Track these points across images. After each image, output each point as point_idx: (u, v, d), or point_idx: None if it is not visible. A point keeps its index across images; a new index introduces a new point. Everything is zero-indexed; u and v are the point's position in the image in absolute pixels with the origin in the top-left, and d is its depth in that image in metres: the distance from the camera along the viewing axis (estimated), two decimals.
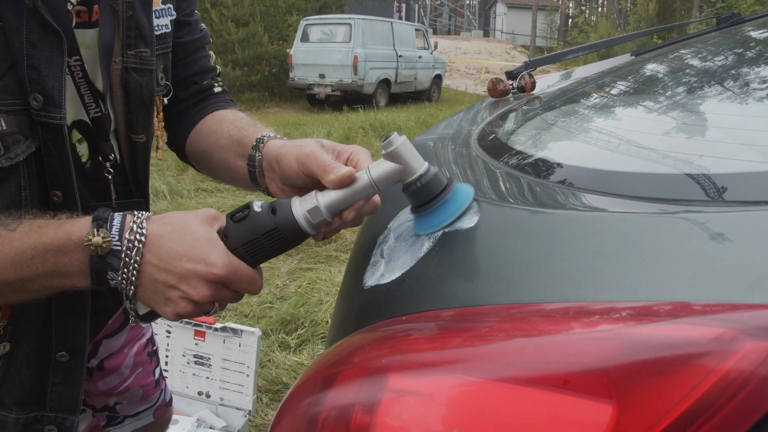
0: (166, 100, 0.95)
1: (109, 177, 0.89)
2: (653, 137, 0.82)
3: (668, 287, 0.45)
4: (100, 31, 0.81)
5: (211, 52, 1.05)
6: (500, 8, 41.84)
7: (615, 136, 0.87)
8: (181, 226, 0.69)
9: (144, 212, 0.71)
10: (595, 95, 1.21)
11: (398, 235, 0.74)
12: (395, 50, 12.95)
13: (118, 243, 0.68)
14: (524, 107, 1.32)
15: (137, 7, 0.84)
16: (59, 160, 0.77)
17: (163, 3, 0.91)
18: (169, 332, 2.17)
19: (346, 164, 0.73)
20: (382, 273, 0.67)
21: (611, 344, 0.40)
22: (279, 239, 0.69)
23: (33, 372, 0.87)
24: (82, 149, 0.87)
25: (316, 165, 0.72)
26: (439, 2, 45.73)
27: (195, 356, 2.14)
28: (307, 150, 0.74)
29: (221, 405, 2.11)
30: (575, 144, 0.90)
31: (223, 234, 0.70)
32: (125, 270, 0.68)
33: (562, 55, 1.81)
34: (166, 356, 2.16)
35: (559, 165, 0.79)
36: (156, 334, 1.27)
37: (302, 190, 0.76)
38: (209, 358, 2.12)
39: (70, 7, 0.77)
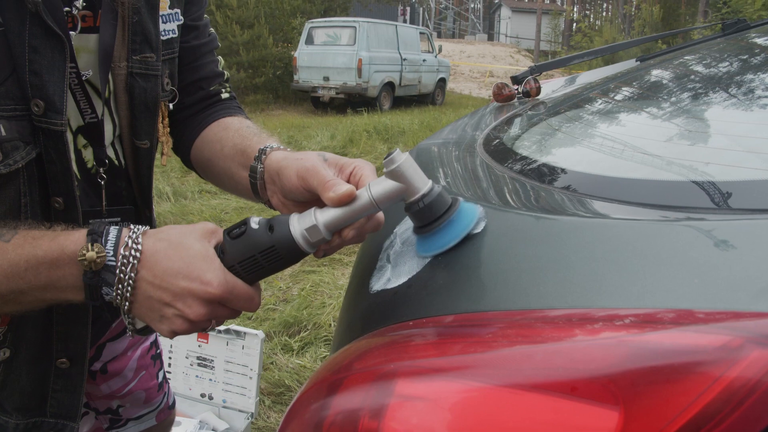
0: (171, 105, 0.94)
1: (102, 183, 0.87)
2: (659, 144, 0.82)
3: (675, 295, 0.45)
4: (100, 35, 0.80)
5: (219, 57, 1.03)
6: (504, 12, 41.86)
7: (620, 143, 0.87)
8: (177, 242, 0.67)
9: (140, 227, 0.69)
10: (600, 101, 1.21)
11: (405, 240, 0.73)
12: (399, 53, 12.97)
13: (113, 258, 0.66)
14: (530, 112, 1.32)
15: (143, 11, 0.83)
16: (60, 167, 0.76)
17: (170, 8, 0.90)
18: None
19: (348, 179, 0.71)
20: (388, 278, 0.67)
21: (619, 351, 0.40)
22: (276, 257, 0.67)
23: (33, 378, 0.87)
24: (88, 155, 0.86)
25: (316, 181, 0.69)
26: (443, 6, 45.77)
27: (198, 358, 2.14)
28: (308, 164, 0.72)
29: (224, 407, 2.12)
30: (581, 150, 0.90)
31: (221, 250, 0.68)
32: (120, 286, 0.66)
33: (567, 60, 1.81)
34: (170, 358, 2.16)
35: (564, 171, 0.79)
36: (159, 337, 1.27)
37: (303, 204, 0.74)
38: (212, 360, 2.12)
39: (75, 11, 0.77)
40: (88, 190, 0.87)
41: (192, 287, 0.65)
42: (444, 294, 0.58)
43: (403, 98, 13.56)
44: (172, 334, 0.69)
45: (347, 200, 0.66)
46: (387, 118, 9.64)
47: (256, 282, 0.70)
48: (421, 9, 41.05)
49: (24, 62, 0.70)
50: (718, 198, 0.60)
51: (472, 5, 47.83)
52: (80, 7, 0.77)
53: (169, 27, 0.90)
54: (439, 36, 38.58)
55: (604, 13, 45.77)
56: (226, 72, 1.04)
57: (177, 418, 1.97)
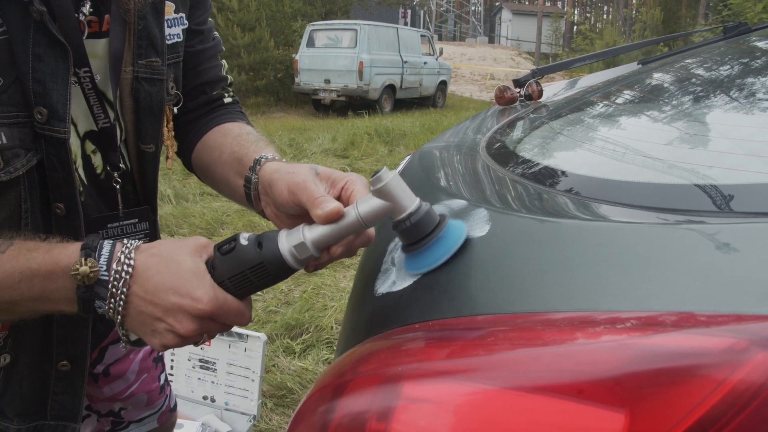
0: (176, 109, 0.94)
1: (117, 187, 0.88)
2: (661, 147, 0.82)
3: (679, 298, 0.45)
4: (110, 41, 0.80)
5: (223, 61, 1.04)
6: (505, 15, 41.89)
7: (623, 146, 0.87)
8: (169, 258, 0.68)
9: (134, 242, 0.70)
10: (603, 104, 1.22)
11: None
12: (400, 56, 12.99)
13: (106, 273, 0.67)
14: (532, 115, 1.32)
15: (149, 17, 0.83)
16: (62, 174, 0.76)
17: (175, 12, 0.90)
18: None
19: (340, 194, 0.72)
20: (393, 280, 0.68)
21: (624, 353, 0.40)
22: (265, 274, 0.67)
23: (34, 382, 0.87)
24: (97, 160, 0.86)
25: (305, 196, 0.70)
26: (444, 8, 45.82)
27: (200, 360, 2.14)
28: (299, 179, 0.72)
29: (226, 409, 2.12)
30: (584, 153, 0.91)
31: (211, 265, 0.68)
32: (112, 300, 0.67)
33: (569, 63, 1.82)
34: (172, 360, 2.17)
35: (566, 174, 0.80)
36: None
37: (295, 218, 0.75)
38: (214, 363, 2.13)
39: (82, 17, 0.77)
40: (95, 196, 0.87)
41: (182, 303, 0.66)
42: (449, 297, 0.58)
43: (404, 101, 13.58)
44: (164, 348, 0.70)
45: (334, 218, 0.67)
46: (388, 120, 9.65)
47: (247, 297, 0.71)
48: (422, 12, 41.10)
49: (27, 70, 0.70)
50: (721, 201, 0.61)
51: (473, 8, 47.89)
52: (87, 13, 0.78)
53: (174, 31, 0.91)
54: (440, 39, 38.62)
55: (604, 16, 45.80)
56: (229, 76, 1.05)
57: (179, 421, 1.97)
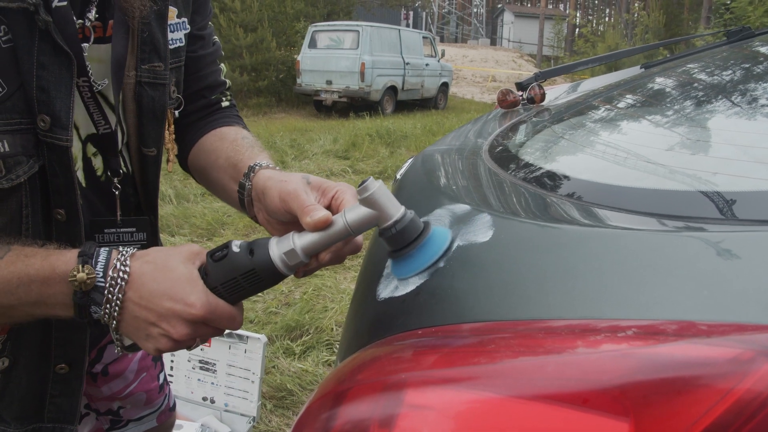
0: (177, 113, 0.95)
1: (116, 192, 0.89)
2: (665, 152, 0.82)
3: (683, 306, 0.45)
4: (113, 46, 0.81)
5: (222, 66, 1.05)
6: (507, 17, 41.92)
7: (626, 151, 0.87)
8: (163, 265, 0.70)
9: (129, 249, 0.72)
10: (606, 108, 1.21)
11: None
12: (402, 57, 12.99)
13: (102, 279, 0.69)
14: (535, 119, 1.32)
15: (152, 22, 0.84)
16: (64, 180, 0.77)
17: (177, 17, 0.91)
18: None
19: (330, 203, 0.74)
20: (396, 285, 0.67)
21: (630, 362, 0.40)
22: (256, 280, 0.70)
23: (32, 385, 0.87)
24: (97, 163, 0.87)
25: (296, 204, 0.72)
26: (446, 10, 45.85)
27: (200, 362, 2.14)
28: (290, 188, 0.74)
29: (226, 411, 2.11)
30: (587, 158, 0.90)
31: (204, 272, 0.71)
32: (108, 306, 0.69)
33: (572, 67, 1.82)
34: (171, 361, 2.16)
35: (569, 179, 0.79)
36: None
37: (286, 224, 0.77)
38: (214, 364, 2.12)
39: (87, 23, 0.78)
40: (93, 199, 0.88)
41: (176, 308, 0.68)
42: (453, 302, 0.58)
43: (406, 102, 13.58)
44: (158, 352, 0.72)
45: (323, 225, 0.69)
46: (389, 122, 9.65)
47: (239, 302, 0.73)
48: (424, 13, 41.11)
49: (32, 78, 0.71)
50: (725, 208, 0.60)
51: (475, 10, 47.92)
52: (93, 19, 0.79)
53: (177, 36, 0.92)
54: (442, 40, 38.62)
55: (606, 19, 45.82)
56: (227, 81, 1.06)
57: (179, 422, 1.97)
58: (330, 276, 3.53)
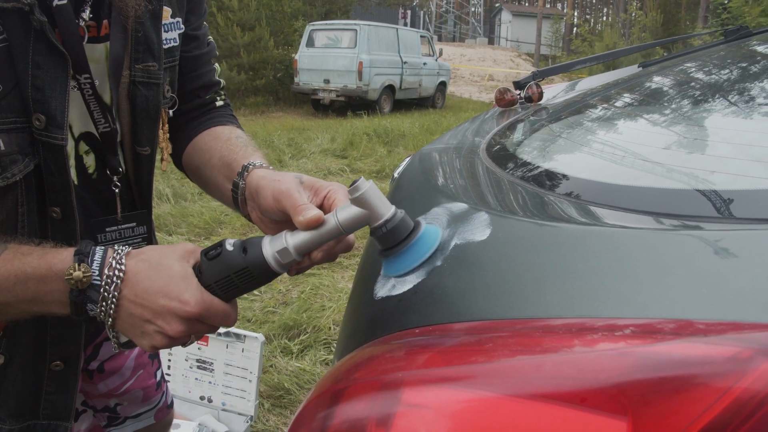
0: (171, 112, 0.96)
1: (116, 190, 0.90)
2: (662, 151, 0.82)
3: (681, 305, 0.44)
4: (111, 46, 0.82)
5: (216, 65, 1.06)
6: (505, 16, 41.92)
7: (624, 149, 0.87)
8: (158, 263, 0.71)
9: (124, 248, 0.73)
10: (604, 107, 1.22)
11: None
12: (400, 56, 12.99)
13: (98, 278, 0.70)
14: (532, 118, 1.32)
15: (147, 22, 0.85)
16: (59, 179, 0.78)
17: (172, 17, 0.92)
18: None
19: (322, 202, 0.75)
20: (393, 284, 0.67)
21: (628, 361, 0.40)
22: (250, 278, 0.71)
23: (27, 382, 0.88)
24: (89, 160, 0.88)
25: (288, 203, 0.73)
26: (444, 9, 45.87)
27: (198, 361, 2.14)
28: (283, 187, 0.75)
29: (223, 410, 2.11)
30: (585, 156, 0.90)
31: (198, 270, 0.72)
32: (104, 303, 0.70)
33: (570, 66, 1.82)
34: (169, 360, 2.16)
35: (567, 177, 0.79)
36: None
37: (279, 223, 0.78)
38: (212, 363, 2.12)
39: (82, 23, 0.78)
40: (85, 197, 0.88)
41: (171, 305, 0.69)
42: (451, 301, 0.58)
43: (404, 101, 13.58)
44: (153, 349, 0.73)
45: (315, 224, 0.71)
46: (387, 121, 9.65)
47: (233, 299, 0.74)
48: (421, 12, 41.14)
49: (27, 77, 0.72)
50: (722, 207, 0.60)
51: (473, 9, 47.95)
52: (87, 19, 0.79)
53: (171, 36, 0.92)
54: (440, 39, 38.64)
55: (604, 18, 45.88)
56: (222, 81, 1.07)
57: (176, 421, 1.96)
58: (327, 275, 3.53)
